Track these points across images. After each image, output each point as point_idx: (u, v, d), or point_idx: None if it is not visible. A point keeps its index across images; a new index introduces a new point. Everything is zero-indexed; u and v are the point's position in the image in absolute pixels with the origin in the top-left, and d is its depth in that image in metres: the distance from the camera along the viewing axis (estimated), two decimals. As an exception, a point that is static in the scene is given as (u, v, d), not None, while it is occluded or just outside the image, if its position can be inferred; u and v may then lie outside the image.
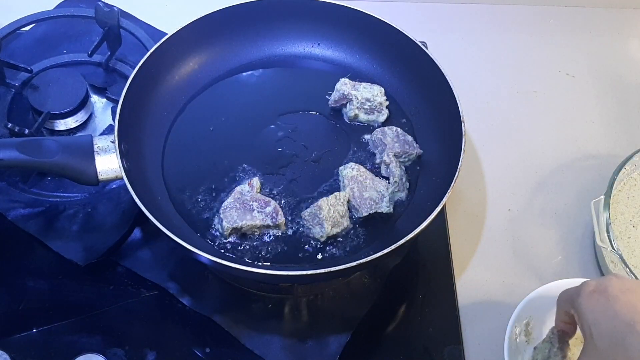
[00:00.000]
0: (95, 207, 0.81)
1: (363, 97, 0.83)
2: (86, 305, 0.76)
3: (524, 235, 0.88)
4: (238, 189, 0.75)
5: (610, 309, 0.57)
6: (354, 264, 0.64)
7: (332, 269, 0.64)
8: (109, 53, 0.93)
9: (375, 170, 0.80)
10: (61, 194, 0.82)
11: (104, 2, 0.90)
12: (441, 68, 0.79)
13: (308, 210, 0.74)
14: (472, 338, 0.78)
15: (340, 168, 0.78)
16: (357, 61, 0.89)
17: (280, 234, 0.74)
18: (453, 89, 0.77)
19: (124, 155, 0.71)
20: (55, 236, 0.78)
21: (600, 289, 0.59)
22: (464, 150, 0.73)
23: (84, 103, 0.87)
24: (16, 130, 0.82)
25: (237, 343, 0.73)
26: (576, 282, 0.73)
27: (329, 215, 0.72)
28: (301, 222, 0.74)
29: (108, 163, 0.71)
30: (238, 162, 0.79)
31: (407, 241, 0.66)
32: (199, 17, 0.83)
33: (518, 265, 0.85)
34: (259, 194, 0.75)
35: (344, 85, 0.83)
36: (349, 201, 0.75)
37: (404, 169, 0.79)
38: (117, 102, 0.75)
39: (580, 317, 0.59)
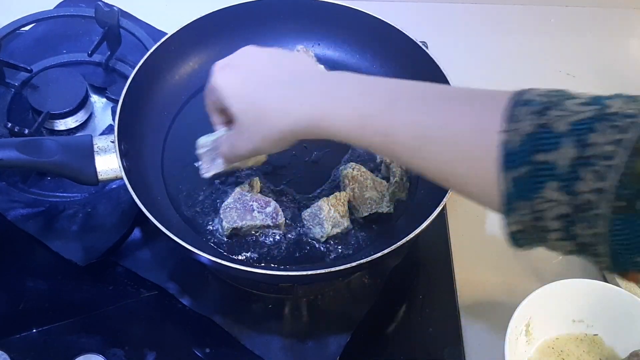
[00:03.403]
0: (95, 207, 0.81)
1: (363, 97, 0.82)
2: (86, 305, 0.76)
3: (525, 236, 0.87)
4: (238, 189, 0.75)
5: (239, 76, 0.61)
6: (354, 264, 0.64)
7: (333, 269, 0.64)
8: (109, 53, 0.93)
9: (376, 171, 0.79)
10: (61, 194, 0.82)
11: (103, 2, 0.90)
12: (441, 68, 0.79)
13: (308, 210, 0.74)
14: (473, 338, 0.77)
15: (341, 168, 0.78)
16: (358, 61, 0.89)
17: (280, 234, 0.74)
18: (453, 89, 0.77)
19: (124, 155, 0.71)
20: (55, 236, 0.78)
21: (229, 63, 0.63)
22: (464, 150, 0.73)
23: (83, 103, 0.87)
24: (16, 130, 0.82)
25: (237, 343, 0.73)
26: (577, 282, 0.73)
27: (329, 215, 0.72)
28: (301, 223, 0.74)
29: (108, 163, 0.70)
30: (238, 162, 0.79)
31: (407, 241, 0.66)
32: (199, 17, 0.83)
33: (518, 266, 0.85)
34: (259, 194, 0.75)
35: (344, 85, 0.83)
36: (349, 201, 0.75)
37: (404, 169, 0.79)
38: (117, 102, 0.75)
39: (220, 95, 0.62)
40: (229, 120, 0.68)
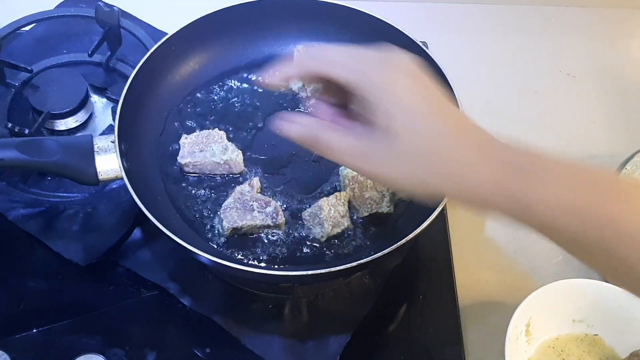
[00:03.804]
0: (95, 207, 0.81)
1: (363, 97, 0.82)
2: (86, 306, 0.76)
3: (525, 236, 0.86)
4: (238, 189, 0.75)
5: (415, 90, 0.50)
6: (354, 264, 0.64)
7: (333, 269, 0.64)
8: (109, 53, 0.93)
9: (376, 170, 0.79)
10: (61, 194, 0.82)
11: (104, 2, 0.90)
12: (442, 68, 0.79)
13: (308, 210, 0.74)
14: (473, 338, 0.77)
15: (341, 168, 0.78)
16: (358, 61, 0.88)
17: (280, 234, 0.74)
18: (454, 89, 0.77)
19: (124, 155, 0.71)
20: (56, 236, 0.78)
21: (399, 67, 0.52)
22: (464, 150, 0.73)
23: (84, 103, 0.87)
24: (16, 130, 0.82)
25: (237, 343, 0.73)
26: (577, 282, 0.73)
27: (329, 215, 0.72)
28: (301, 222, 0.74)
29: (108, 163, 0.70)
30: (238, 162, 0.79)
31: (407, 241, 0.66)
32: (199, 17, 0.83)
33: (519, 266, 0.85)
34: (259, 194, 0.75)
35: (344, 85, 0.83)
36: (349, 201, 0.75)
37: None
38: (117, 102, 0.75)
39: (379, 92, 0.50)
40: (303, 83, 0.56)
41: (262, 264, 0.72)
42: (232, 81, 0.87)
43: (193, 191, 0.77)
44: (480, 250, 0.86)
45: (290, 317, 0.76)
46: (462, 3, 1.13)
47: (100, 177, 0.71)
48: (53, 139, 0.71)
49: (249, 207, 0.72)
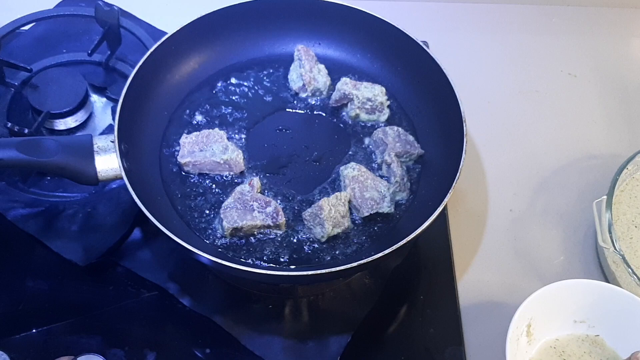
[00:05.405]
0: (95, 207, 0.81)
1: (364, 97, 0.82)
2: (86, 306, 0.76)
3: (526, 236, 0.87)
4: (238, 189, 0.75)
5: None
6: (354, 264, 0.64)
7: (333, 269, 0.64)
8: (109, 52, 0.92)
9: (376, 170, 0.79)
10: (61, 194, 0.82)
11: (104, 1, 0.90)
12: (442, 68, 0.79)
13: (309, 210, 0.73)
14: (474, 339, 0.77)
15: (341, 168, 0.78)
16: (358, 61, 0.88)
17: (280, 234, 0.74)
18: (454, 89, 0.76)
19: (124, 155, 0.70)
20: (55, 236, 0.78)
21: None
22: (465, 151, 0.72)
23: (83, 102, 0.87)
24: (16, 129, 0.81)
25: (237, 344, 0.73)
26: (579, 282, 0.73)
27: (329, 215, 0.72)
28: (302, 223, 0.74)
29: (108, 163, 0.70)
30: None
31: (408, 242, 0.66)
32: (199, 16, 0.83)
33: (520, 266, 0.84)
34: (259, 194, 0.75)
35: (345, 85, 0.83)
36: (350, 201, 0.75)
37: (405, 169, 0.79)
38: (117, 101, 0.75)
39: None
40: None
41: (263, 264, 0.71)
42: (232, 80, 0.86)
43: (193, 191, 0.77)
44: (481, 251, 0.86)
45: (290, 318, 0.76)
46: (463, 3, 1.13)
47: (99, 176, 0.71)
48: (53, 139, 0.71)
49: (249, 207, 0.72)
